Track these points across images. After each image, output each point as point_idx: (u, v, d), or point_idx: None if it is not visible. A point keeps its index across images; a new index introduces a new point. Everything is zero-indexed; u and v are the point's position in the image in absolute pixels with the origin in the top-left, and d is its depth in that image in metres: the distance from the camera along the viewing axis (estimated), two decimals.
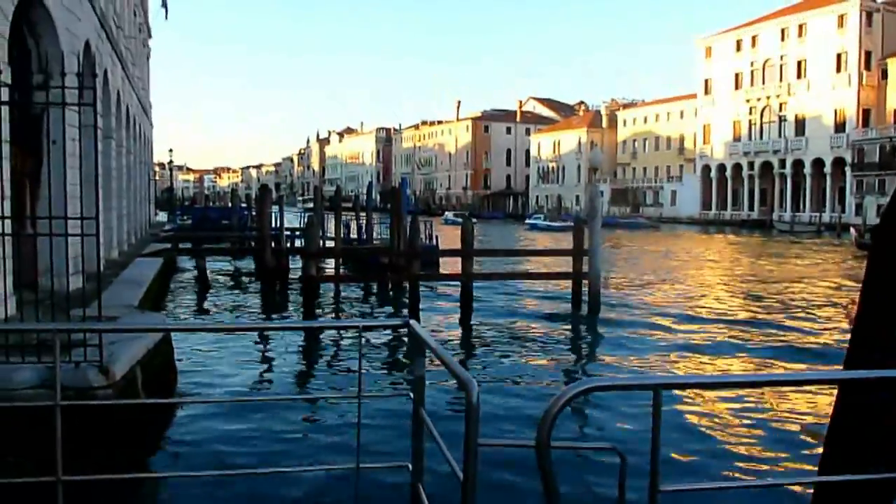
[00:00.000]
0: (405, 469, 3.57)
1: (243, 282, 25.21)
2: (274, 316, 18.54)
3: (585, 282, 17.06)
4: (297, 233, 30.52)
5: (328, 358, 13.34)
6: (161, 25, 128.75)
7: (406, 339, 12.96)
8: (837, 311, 18.89)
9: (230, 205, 44.79)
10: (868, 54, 68.37)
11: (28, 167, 11.64)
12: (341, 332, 14.53)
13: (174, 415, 8.67)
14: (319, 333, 14.27)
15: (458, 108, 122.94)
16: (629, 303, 19.58)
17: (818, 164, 71.02)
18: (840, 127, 69.63)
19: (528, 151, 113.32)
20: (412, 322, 3.49)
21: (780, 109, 76.15)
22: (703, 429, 8.78)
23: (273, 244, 22.34)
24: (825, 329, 16.24)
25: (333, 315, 18.52)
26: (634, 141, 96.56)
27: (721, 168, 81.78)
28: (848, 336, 3.08)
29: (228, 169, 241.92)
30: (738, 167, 79.72)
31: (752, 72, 79.28)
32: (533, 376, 11.82)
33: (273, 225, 25.43)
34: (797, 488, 6.17)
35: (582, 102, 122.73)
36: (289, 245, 27.35)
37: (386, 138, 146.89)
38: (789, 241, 51.17)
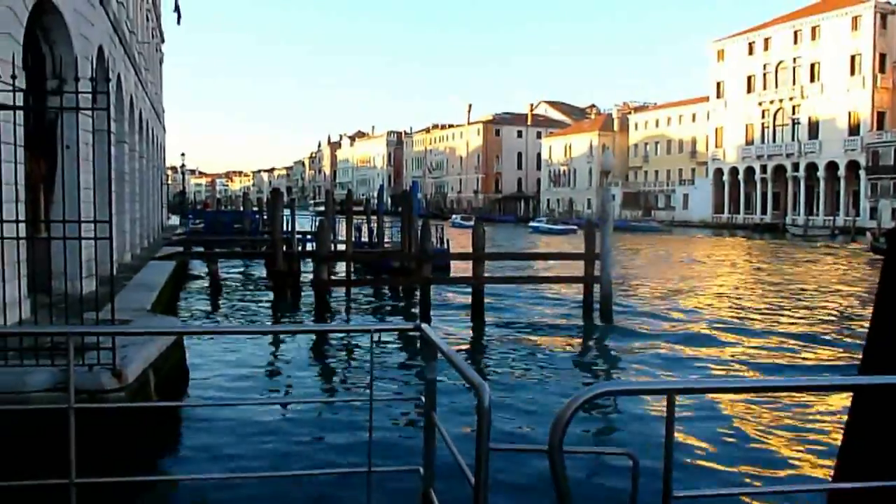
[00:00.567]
0: (416, 473, 3.56)
1: (255, 285, 25.32)
2: (285, 319, 18.58)
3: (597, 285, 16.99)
4: (309, 236, 30.62)
5: (340, 361, 13.36)
6: (174, 30, 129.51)
7: (417, 342, 12.96)
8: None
9: (242, 208, 44.95)
10: (883, 56, 67.72)
11: (42, 171, 11.73)
12: (353, 335, 14.52)
13: (186, 418, 8.71)
14: (331, 337, 14.28)
15: (469, 111, 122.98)
16: (645, 310, 19.19)
17: (832, 167, 70.36)
18: (854, 130, 68.98)
19: (539, 155, 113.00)
20: (424, 326, 3.49)
21: (794, 112, 75.52)
22: (717, 434, 8.71)
23: (285, 248, 22.37)
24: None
25: (345, 318, 18.55)
26: (646, 144, 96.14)
27: (733, 171, 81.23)
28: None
29: (240, 172, 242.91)
30: (750, 170, 79.15)
31: (764, 74, 78.70)
32: (545, 379, 11.78)
33: (285, 228, 25.49)
34: (811, 495, 6.11)
35: (593, 106, 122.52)
36: (300, 249, 27.37)
37: (397, 142, 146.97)
38: (808, 248, 49.13)
